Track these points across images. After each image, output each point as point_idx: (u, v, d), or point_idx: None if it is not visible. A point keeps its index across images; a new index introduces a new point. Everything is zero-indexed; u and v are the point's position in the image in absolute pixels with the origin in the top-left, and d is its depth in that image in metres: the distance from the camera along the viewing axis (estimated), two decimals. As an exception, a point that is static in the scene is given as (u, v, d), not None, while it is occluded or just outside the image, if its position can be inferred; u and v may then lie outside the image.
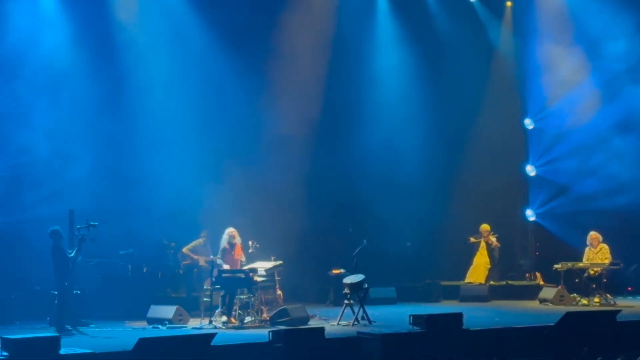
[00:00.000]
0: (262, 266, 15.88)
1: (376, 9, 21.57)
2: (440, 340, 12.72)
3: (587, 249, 18.77)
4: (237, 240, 16.16)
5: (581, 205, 21.33)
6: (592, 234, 18.77)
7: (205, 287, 16.15)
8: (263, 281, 15.76)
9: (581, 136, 21.66)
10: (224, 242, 16.13)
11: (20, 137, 17.00)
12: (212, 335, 11.88)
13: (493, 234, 20.69)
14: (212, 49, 18.96)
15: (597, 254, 18.59)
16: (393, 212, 20.77)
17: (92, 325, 14.81)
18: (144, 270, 17.77)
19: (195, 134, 18.57)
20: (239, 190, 18.53)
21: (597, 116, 21.56)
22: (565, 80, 21.90)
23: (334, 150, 20.63)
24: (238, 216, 17.23)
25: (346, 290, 15.68)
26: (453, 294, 20.12)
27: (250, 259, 16.19)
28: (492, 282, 20.49)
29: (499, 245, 20.69)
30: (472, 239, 20.73)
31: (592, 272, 18.41)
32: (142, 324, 15.26)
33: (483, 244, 20.66)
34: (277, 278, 16.23)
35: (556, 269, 18.87)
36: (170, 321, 15.03)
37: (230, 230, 16.15)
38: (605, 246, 18.58)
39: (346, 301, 15.63)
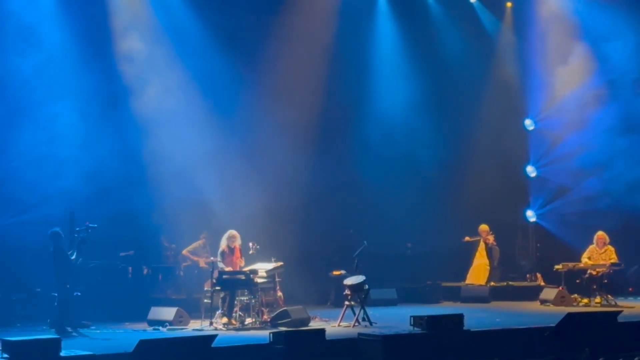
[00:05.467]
0: (263, 267, 15.86)
1: (377, 10, 21.57)
2: (441, 341, 12.71)
3: (591, 246, 18.72)
4: (237, 243, 16.09)
5: (582, 206, 21.32)
6: (599, 233, 18.70)
7: (205, 288, 16.13)
8: (263, 282, 15.74)
9: (582, 137, 21.65)
10: (223, 244, 16.07)
11: (20, 138, 16.99)
12: (213, 337, 11.88)
13: (491, 234, 20.67)
14: (212, 48, 18.93)
15: (601, 254, 18.55)
16: (394, 213, 20.79)
17: (93, 327, 14.78)
18: (145, 271, 17.77)
19: (195, 135, 18.54)
20: (239, 192, 18.53)
21: (598, 117, 21.56)
22: (566, 81, 21.90)
23: (335, 151, 20.64)
24: (238, 217, 17.22)
25: (347, 292, 15.67)
26: (454, 295, 20.11)
27: (251, 260, 16.17)
28: (492, 283, 20.48)
29: (495, 244, 20.66)
30: (468, 238, 20.70)
31: (593, 273, 18.39)
32: (143, 325, 15.24)
33: (482, 244, 20.66)
34: (277, 279, 16.21)
35: (557, 269, 18.86)
36: (170, 323, 15.01)
37: (230, 232, 16.08)
38: (611, 248, 18.54)
39: (347, 302, 15.63)
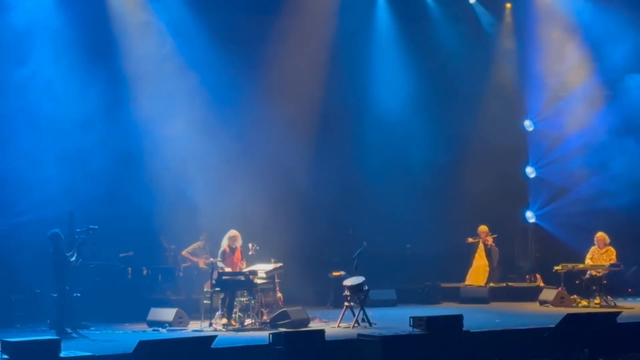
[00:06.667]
0: (262, 268, 15.87)
1: (376, 11, 21.57)
2: (440, 342, 12.72)
3: (593, 247, 18.73)
4: (238, 243, 16.10)
5: (581, 207, 21.31)
6: (599, 234, 18.71)
7: (205, 289, 16.14)
8: (263, 283, 15.74)
9: (581, 137, 21.66)
10: (224, 244, 16.09)
11: (18, 139, 17.00)
12: (213, 338, 11.88)
13: (491, 235, 20.68)
14: (212, 49, 18.92)
15: (602, 255, 18.57)
16: (393, 214, 20.79)
17: (92, 328, 14.79)
18: (144, 272, 17.76)
19: (194, 137, 18.54)
20: (239, 193, 18.53)
21: (597, 118, 21.57)
22: (565, 82, 21.91)
23: (334, 152, 20.64)
24: (237, 219, 17.23)
25: (346, 293, 15.68)
26: (453, 295, 20.12)
27: (250, 261, 16.18)
28: (492, 284, 20.48)
29: (494, 245, 20.66)
30: (470, 239, 20.72)
31: (593, 274, 18.40)
32: (143, 326, 15.25)
33: (481, 245, 20.65)
34: (277, 280, 16.21)
35: (556, 270, 18.86)
36: (170, 324, 15.02)
37: (232, 232, 16.10)
38: (612, 249, 18.54)
39: (346, 303, 15.63)
